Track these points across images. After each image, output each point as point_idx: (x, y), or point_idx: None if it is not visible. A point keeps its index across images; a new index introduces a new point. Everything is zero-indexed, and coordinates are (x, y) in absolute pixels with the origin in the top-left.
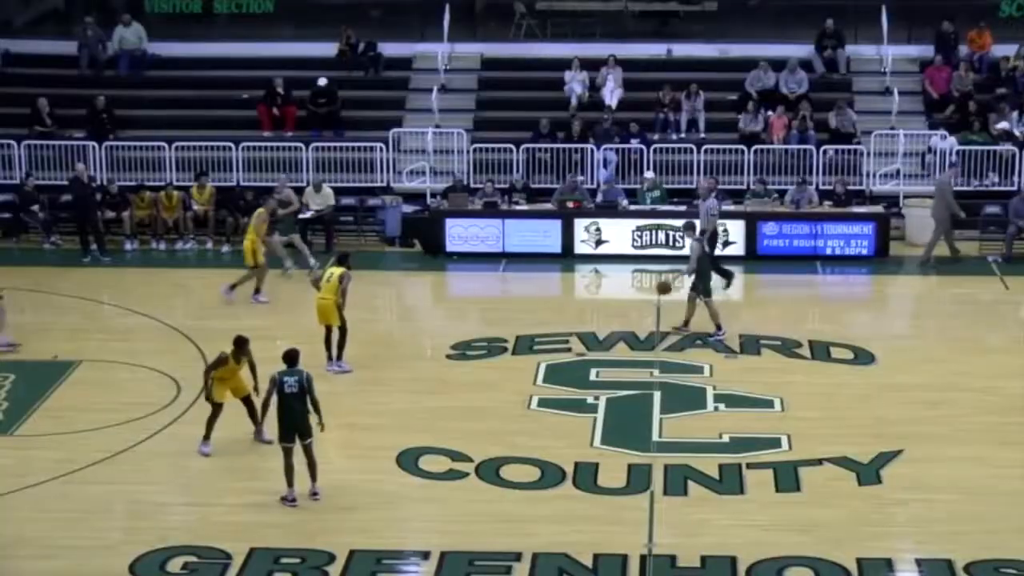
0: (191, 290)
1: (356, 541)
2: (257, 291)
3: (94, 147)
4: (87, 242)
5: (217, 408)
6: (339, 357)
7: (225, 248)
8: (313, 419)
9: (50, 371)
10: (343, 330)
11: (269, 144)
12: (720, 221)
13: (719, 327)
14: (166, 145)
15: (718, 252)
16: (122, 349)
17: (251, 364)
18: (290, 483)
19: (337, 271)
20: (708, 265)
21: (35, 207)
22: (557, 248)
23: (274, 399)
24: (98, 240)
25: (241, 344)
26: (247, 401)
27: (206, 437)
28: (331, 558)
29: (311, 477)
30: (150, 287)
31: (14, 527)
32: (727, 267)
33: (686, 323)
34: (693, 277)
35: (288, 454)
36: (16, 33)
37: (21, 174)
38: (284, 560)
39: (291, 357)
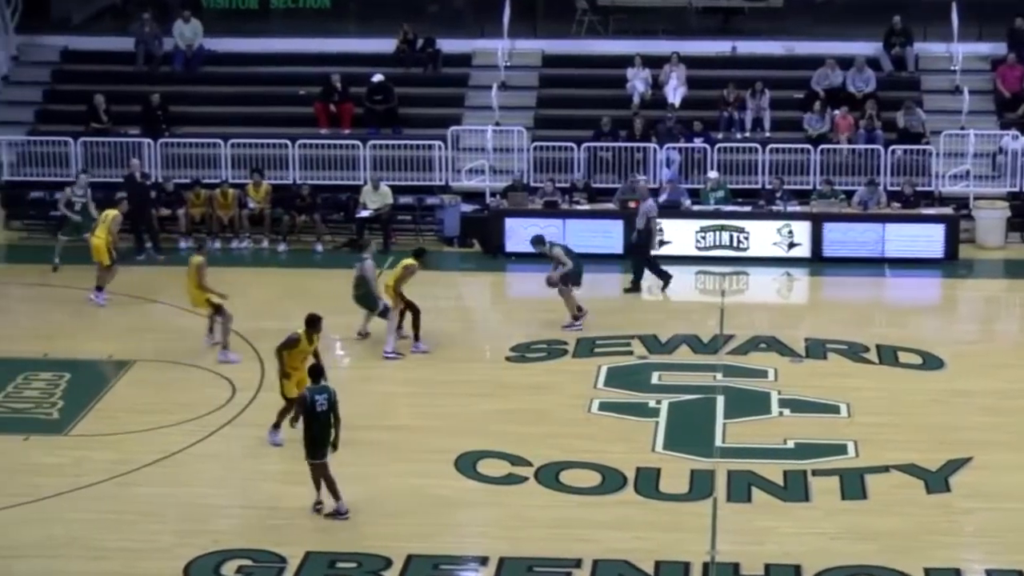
0: (246, 289)
1: (413, 546)
2: (100, 289)
3: (149, 144)
4: (142, 240)
5: (290, 404)
6: (417, 338)
7: (281, 247)
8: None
9: (105, 371)
10: (415, 312)
11: (326, 142)
12: (789, 222)
13: (576, 319)
14: (221, 142)
15: (654, 252)
16: (177, 349)
17: (315, 352)
18: (337, 495)
19: (406, 261)
20: (579, 259)
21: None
22: (618, 248)
23: None
24: (153, 238)
25: (313, 322)
26: None
27: (276, 426)
28: (388, 563)
29: (317, 489)
30: None
31: (67, 527)
32: (664, 268)
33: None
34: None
35: (325, 468)
36: (74, 30)
37: (77, 171)
38: (340, 565)
39: (318, 372)
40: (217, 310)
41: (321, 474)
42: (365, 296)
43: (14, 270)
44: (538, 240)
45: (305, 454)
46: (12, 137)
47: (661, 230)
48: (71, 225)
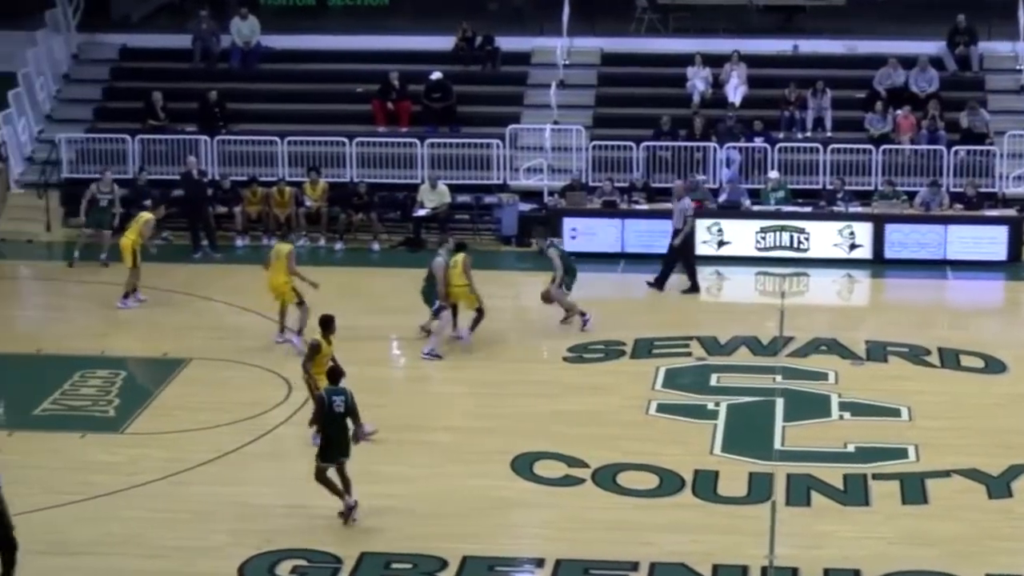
0: (303, 288)
1: (469, 547)
2: (129, 294)
3: (206, 141)
4: (198, 238)
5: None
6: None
7: (338, 245)
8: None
9: (160, 369)
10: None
11: (383, 140)
12: (850, 223)
13: (583, 314)
14: (278, 140)
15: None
16: (232, 347)
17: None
18: (340, 495)
19: (460, 257)
20: (572, 263)
21: (147, 202)
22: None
23: None
24: (209, 236)
25: (327, 324)
26: None
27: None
28: (443, 564)
29: (347, 491)
30: (261, 284)
31: (123, 525)
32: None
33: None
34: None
35: (324, 473)
36: (133, 28)
37: (135, 168)
38: (395, 565)
39: (336, 374)
40: (300, 302)
41: (323, 477)
42: (426, 291)
43: (75, 268)
44: (539, 234)
45: (317, 455)
46: (72, 134)
47: (721, 230)
48: (93, 218)
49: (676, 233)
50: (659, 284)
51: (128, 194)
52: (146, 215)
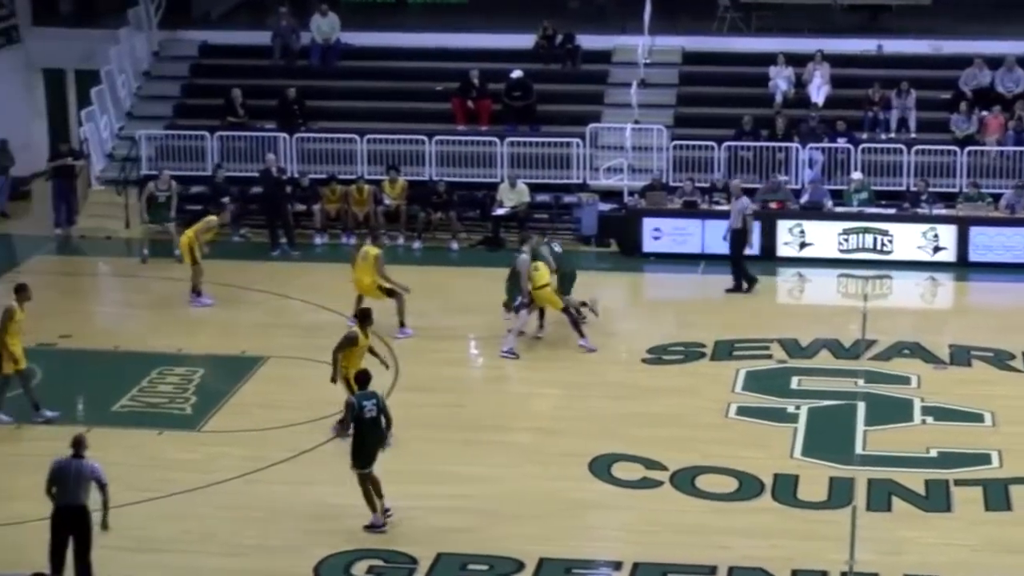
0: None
1: (545, 549)
2: (199, 292)
3: (285, 139)
4: (276, 235)
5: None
6: (582, 335)
7: (416, 244)
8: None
9: (237, 366)
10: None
11: (463, 138)
12: (934, 226)
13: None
14: (357, 137)
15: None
16: (310, 345)
17: (371, 348)
18: (374, 507)
19: (538, 264)
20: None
21: (225, 199)
22: (758, 250)
23: None
24: (287, 233)
25: (365, 316)
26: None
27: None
28: (520, 566)
29: (378, 495)
30: (339, 282)
31: (201, 523)
32: (752, 272)
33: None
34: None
35: (365, 480)
36: (213, 25)
37: (213, 165)
38: (471, 567)
39: (365, 379)
40: (390, 293)
41: (363, 486)
42: (509, 288)
43: (151, 265)
44: (524, 239)
45: (351, 462)
46: (151, 131)
47: (803, 232)
48: (153, 216)
49: (734, 233)
50: (738, 287)
51: (206, 191)
52: (210, 217)
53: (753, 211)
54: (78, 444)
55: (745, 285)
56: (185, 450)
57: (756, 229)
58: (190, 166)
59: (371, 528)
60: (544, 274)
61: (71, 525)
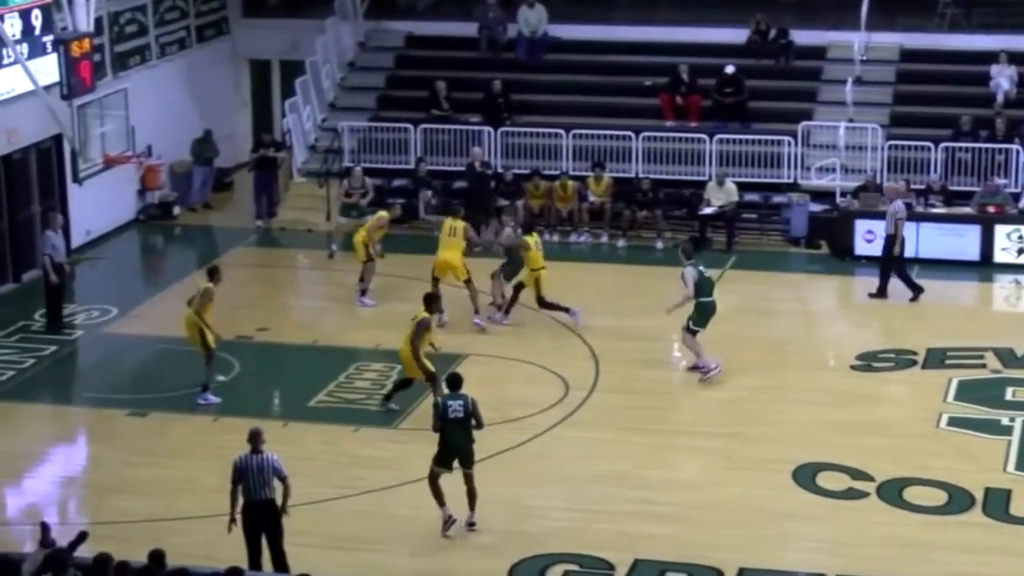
0: (583, 286)
1: (746, 558)
2: (365, 290)
3: (489, 132)
4: (480, 230)
5: (430, 376)
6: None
7: (621, 242)
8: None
9: (434, 364)
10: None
11: (671, 134)
12: None
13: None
14: (563, 132)
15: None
16: (508, 344)
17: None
18: (442, 503)
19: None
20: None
21: (428, 192)
22: (975, 255)
23: None
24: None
25: (432, 300)
26: None
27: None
28: (719, 575)
29: (470, 507)
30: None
31: (392, 522)
32: (916, 280)
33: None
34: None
35: (436, 479)
36: (419, 15)
37: (416, 158)
38: (669, 574)
39: (455, 381)
40: (468, 279)
41: (431, 483)
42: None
43: (353, 258)
44: (687, 251)
45: (433, 458)
46: (354, 123)
47: (1022, 237)
48: (350, 211)
49: (888, 239)
50: (882, 293)
51: (408, 184)
52: (381, 213)
53: (905, 216)
54: (255, 438)
55: (911, 294)
56: (378, 448)
57: (907, 234)
58: (393, 159)
59: (446, 524)
60: (538, 257)
61: (261, 521)
